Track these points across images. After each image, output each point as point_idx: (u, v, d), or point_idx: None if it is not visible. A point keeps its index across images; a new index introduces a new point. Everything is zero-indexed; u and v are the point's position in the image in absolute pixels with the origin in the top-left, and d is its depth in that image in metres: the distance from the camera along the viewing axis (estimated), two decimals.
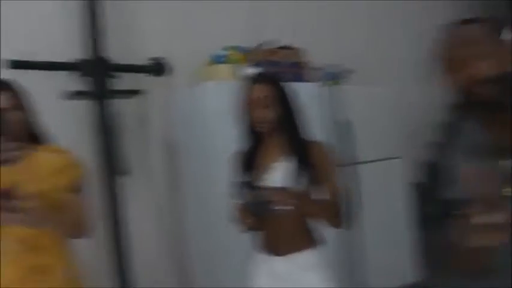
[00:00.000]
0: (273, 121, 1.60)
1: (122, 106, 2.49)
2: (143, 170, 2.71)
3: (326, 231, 1.69)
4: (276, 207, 1.49)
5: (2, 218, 1.41)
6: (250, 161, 1.65)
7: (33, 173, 1.51)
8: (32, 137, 1.59)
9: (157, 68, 2.55)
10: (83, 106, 2.44)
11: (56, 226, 1.53)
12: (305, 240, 1.65)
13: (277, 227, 1.62)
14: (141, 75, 2.58)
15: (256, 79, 1.63)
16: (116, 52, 2.46)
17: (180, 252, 2.78)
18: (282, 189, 1.52)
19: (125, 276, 2.39)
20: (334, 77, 3.04)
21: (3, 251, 1.51)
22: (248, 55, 2.64)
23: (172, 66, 2.59)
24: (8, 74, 1.82)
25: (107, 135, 2.38)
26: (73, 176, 1.60)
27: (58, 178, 1.55)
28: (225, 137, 2.37)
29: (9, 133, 1.44)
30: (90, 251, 1.72)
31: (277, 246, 1.65)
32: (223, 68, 2.56)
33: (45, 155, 1.57)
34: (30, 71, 2.24)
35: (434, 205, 1.16)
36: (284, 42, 2.86)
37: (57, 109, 2.28)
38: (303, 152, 1.61)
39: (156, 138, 2.77)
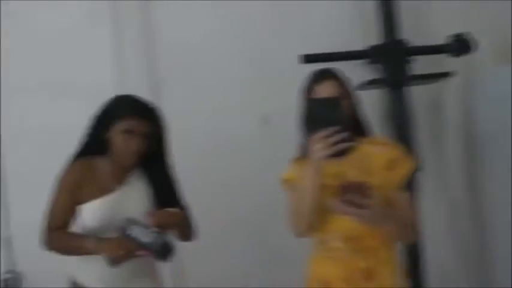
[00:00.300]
0: None
1: (413, 93, 2.23)
2: (437, 163, 2.40)
3: None
4: None
5: (345, 210, 1.32)
6: None
7: (363, 166, 1.40)
8: (357, 127, 1.47)
9: (460, 46, 2.18)
10: (374, 95, 2.27)
11: (389, 226, 1.38)
12: None
13: None
14: (437, 56, 2.26)
15: None
16: (409, 33, 2.21)
17: (477, 254, 2.39)
18: None
19: (419, 276, 2.18)
20: None
21: (329, 247, 1.44)
22: None
23: (477, 42, 2.18)
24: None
25: (403, 126, 2.16)
26: (403, 172, 1.43)
27: (389, 174, 1.41)
28: None
29: (342, 123, 1.32)
30: None
31: None
32: None
33: (373, 148, 1.44)
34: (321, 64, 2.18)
35: None
36: None
37: None
38: None
39: (453, 127, 2.41)
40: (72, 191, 1.50)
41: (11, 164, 2.26)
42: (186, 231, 1.59)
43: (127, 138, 1.47)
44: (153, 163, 1.56)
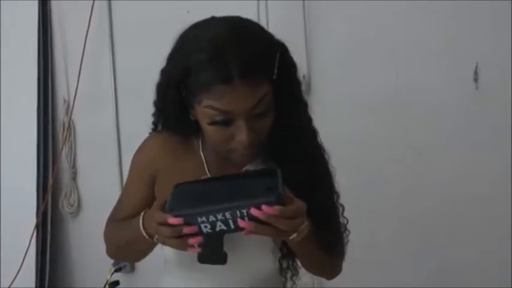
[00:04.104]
0: None
1: None
2: None
3: None
4: None
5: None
6: None
7: None
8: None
9: None
10: None
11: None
12: None
13: None
14: None
15: None
16: None
17: None
18: None
19: None
20: None
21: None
22: None
23: None
24: None
25: None
26: None
27: None
28: None
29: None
30: None
31: None
32: None
33: None
34: None
35: None
36: None
37: None
38: None
39: None
40: (146, 176, 0.99)
41: None
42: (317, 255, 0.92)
43: (222, 127, 0.82)
44: (284, 134, 0.88)
